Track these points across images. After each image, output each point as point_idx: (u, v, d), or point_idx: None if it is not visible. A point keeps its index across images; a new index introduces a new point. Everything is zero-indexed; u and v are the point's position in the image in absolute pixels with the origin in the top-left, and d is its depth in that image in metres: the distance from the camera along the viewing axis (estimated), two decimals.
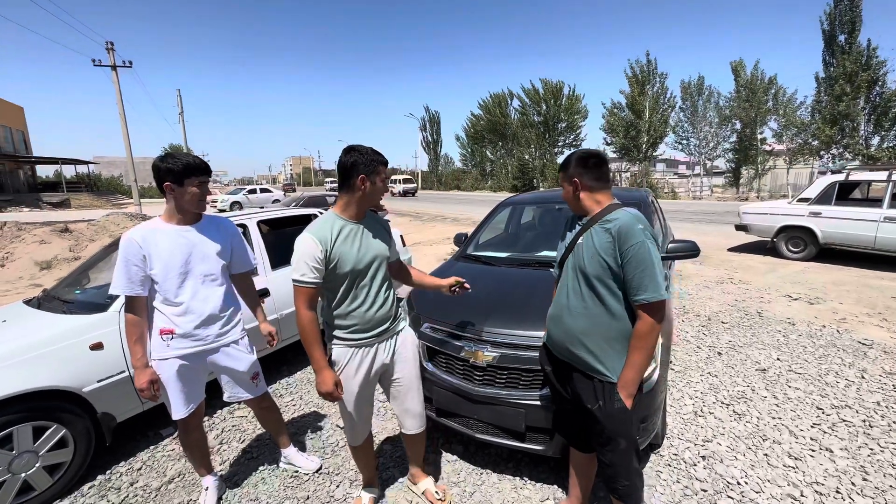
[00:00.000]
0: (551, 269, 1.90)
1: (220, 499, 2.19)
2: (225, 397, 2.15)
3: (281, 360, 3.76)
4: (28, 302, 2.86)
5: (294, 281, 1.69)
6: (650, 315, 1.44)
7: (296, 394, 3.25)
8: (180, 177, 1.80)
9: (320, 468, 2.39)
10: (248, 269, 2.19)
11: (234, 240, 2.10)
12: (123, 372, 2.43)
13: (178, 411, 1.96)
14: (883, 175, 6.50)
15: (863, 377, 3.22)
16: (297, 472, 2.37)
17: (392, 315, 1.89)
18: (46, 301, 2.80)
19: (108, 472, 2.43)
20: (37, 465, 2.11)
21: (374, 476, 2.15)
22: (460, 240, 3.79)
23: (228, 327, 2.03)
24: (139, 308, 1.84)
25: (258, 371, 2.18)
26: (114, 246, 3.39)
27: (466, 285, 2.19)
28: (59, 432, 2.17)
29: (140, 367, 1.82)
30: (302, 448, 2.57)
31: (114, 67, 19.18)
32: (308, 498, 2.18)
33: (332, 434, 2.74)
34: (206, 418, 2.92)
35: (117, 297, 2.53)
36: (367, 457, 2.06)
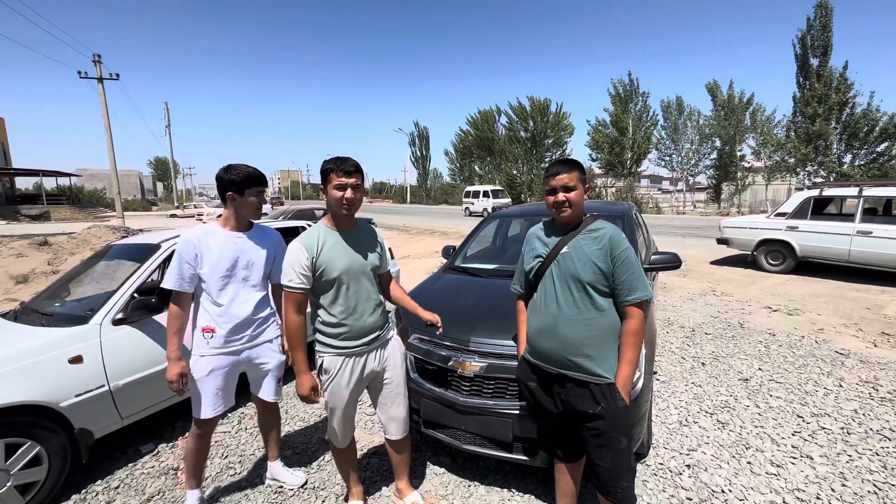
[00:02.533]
0: (515, 287, 1.92)
1: None
2: (252, 390, 2.23)
3: None
4: (5, 315, 2.78)
5: (283, 286, 1.75)
6: (642, 311, 1.58)
7: (282, 408, 3.19)
8: (241, 187, 1.95)
9: (305, 483, 2.35)
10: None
11: (278, 249, 2.17)
12: (103, 386, 2.37)
13: (205, 411, 2.01)
14: (854, 191, 6.78)
15: (840, 386, 3.30)
16: (281, 487, 2.32)
17: (382, 324, 1.92)
18: (24, 314, 2.73)
19: (84, 491, 2.34)
20: (8, 484, 2.02)
21: (358, 486, 2.13)
22: (448, 252, 3.83)
23: (263, 328, 2.12)
24: (184, 302, 1.95)
25: (282, 376, 2.24)
26: (95, 258, 3.33)
27: (440, 326, 2.09)
28: (32, 449, 2.09)
29: (173, 359, 1.91)
30: (287, 463, 2.52)
31: (100, 80, 19.05)
32: None
33: (318, 449, 2.70)
34: (185, 435, 2.85)
35: (99, 309, 2.50)
36: (351, 460, 2.08)
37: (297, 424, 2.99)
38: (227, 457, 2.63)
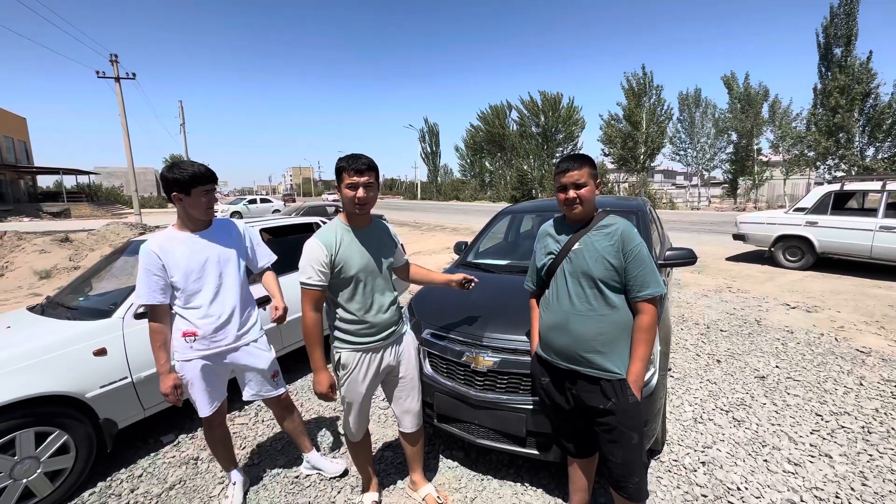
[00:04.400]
0: (528, 284, 1.92)
1: (246, 492, 2.25)
2: (245, 397, 2.16)
3: (282, 368, 3.76)
4: (32, 308, 2.87)
5: (301, 283, 1.75)
6: (654, 307, 1.57)
7: (297, 401, 3.25)
8: (187, 186, 1.84)
9: (346, 472, 2.38)
10: (262, 267, 2.25)
11: (248, 239, 2.17)
12: (126, 378, 2.44)
13: (203, 409, 2.03)
14: (878, 185, 6.58)
15: (861, 384, 3.23)
16: (297, 477, 2.37)
17: (397, 318, 1.94)
18: (50, 307, 2.82)
19: (109, 478, 2.42)
20: (38, 471, 2.11)
21: (372, 478, 2.17)
22: (460, 248, 3.83)
23: (247, 327, 2.09)
24: (161, 315, 1.89)
25: (277, 370, 2.23)
26: (116, 254, 3.42)
27: (475, 280, 2.34)
28: (60, 438, 2.18)
29: (164, 372, 1.87)
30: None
31: (117, 79, 19.40)
32: None
33: (334, 441, 2.75)
34: None
35: (121, 303, 2.57)
36: (366, 453, 2.12)
37: (311, 417, 3.04)
38: (244, 448, 2.69)
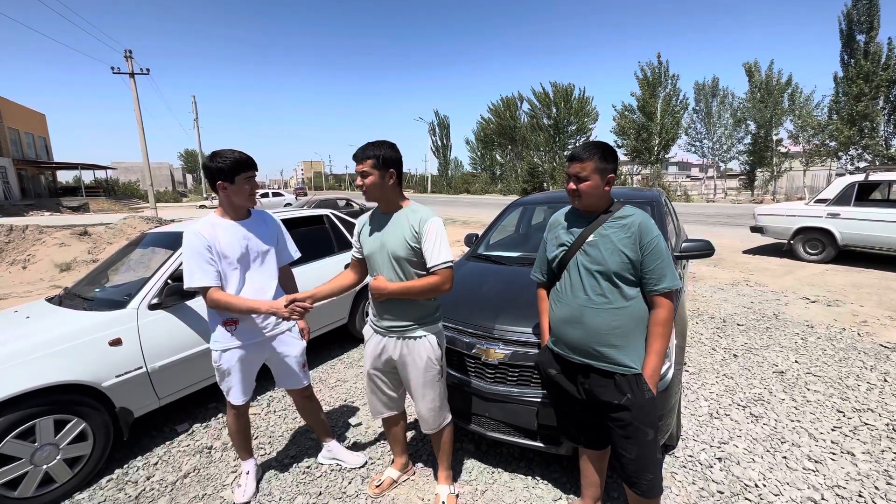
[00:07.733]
0: (535, 275, 1.88)
1: (258, 481, 2.27)
2: (279, 385, 2.24)
3: None
4: (50, 300, 2.93)
5: None
6: (670, 301, 1.55)
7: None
8: (231, 174, 1.86)
9: (365, 464, 2.39)
10: (291, 260, 2.26)
11: (279, 233, 2.19)
12: (141, 368, 2.48)
13: (238, 398, 2.07)
14: None
15: (885, 380, 3.13)
16: (308, 467, 2.39)
17: (400, 317, 1.85)
18: (68, 298, 2.87)
19: (126, 466, 2.47)
20: (58, 457, 2.16)
21: (399, 457, 2.24)
22: (471, 240, 3.80)
23: None
24: (216, 290, 1.87)
25: (305, 360, 2.27)
26: (131, 246, 3.46)
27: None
28: (79, 426, 2.22)
29: (267, 307, 1.85)
30: (317, 445, 2.57)
31: (132, 75, 19.67)
32: (321, 493, 2.19)
33: (345, 432, 2.76)
34: (218, 415, 2.97)
35: (136, 294, 2.60)
36: (389, 434, 2.21)
37: (325, 409, 3.05)
38: (256, 437, 2.71)
